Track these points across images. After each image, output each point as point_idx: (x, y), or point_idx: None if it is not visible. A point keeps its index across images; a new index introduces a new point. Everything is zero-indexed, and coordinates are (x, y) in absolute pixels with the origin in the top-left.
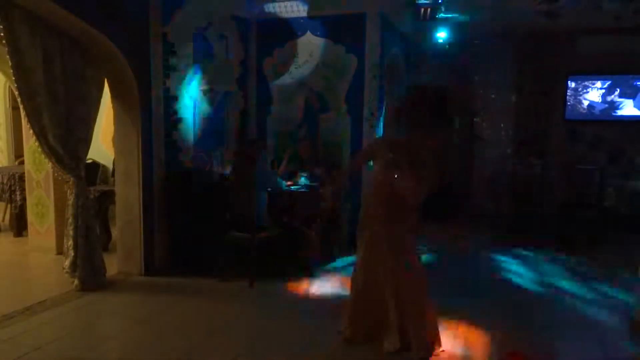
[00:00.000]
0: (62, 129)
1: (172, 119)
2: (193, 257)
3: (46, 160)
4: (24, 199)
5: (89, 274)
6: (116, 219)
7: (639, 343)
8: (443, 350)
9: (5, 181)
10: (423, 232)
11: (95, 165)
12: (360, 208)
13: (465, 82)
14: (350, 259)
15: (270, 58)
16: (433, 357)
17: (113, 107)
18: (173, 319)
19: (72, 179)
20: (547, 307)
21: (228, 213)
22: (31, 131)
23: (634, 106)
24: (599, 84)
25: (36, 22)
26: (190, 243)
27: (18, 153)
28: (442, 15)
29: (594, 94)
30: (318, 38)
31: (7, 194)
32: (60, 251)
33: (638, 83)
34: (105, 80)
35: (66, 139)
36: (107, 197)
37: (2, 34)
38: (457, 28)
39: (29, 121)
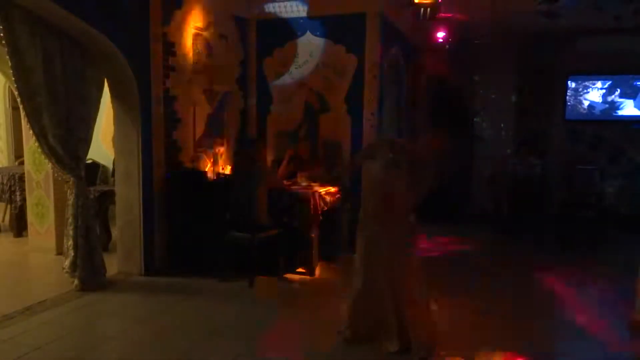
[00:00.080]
0: (62, 129)
1: (172, 119)
2: (193, 257)
3: (46, 160)
4: (24, 199)
5: (89, 274)
6: (116, 219)
7: (639, 343)
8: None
9: (5, 181)
10: (422, 232)
11: (95, 165)
12: (360, 208)
13: (465, 82)
14: (350, 259)
15: (270, 58)
16: (432, 357)
17: (113, 107)
18: (173, 319)
19: (72, 179)
20: (548, 306)
21: (228, 213)
22: (31, 131)
23: (635, 106)
24: (599, 84)
25: (36, 22)
26: (190, 243)
27: (18, 153)
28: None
29: (594, 94)
30: (318, 38)
31: (7, 195)
32: (60, 251)
33: (638, 83)
34: (105, 80)
35: (66, 139)
36: (107, 197)
37: (2, 34)
38: (457, 28)
39: (29, 121)
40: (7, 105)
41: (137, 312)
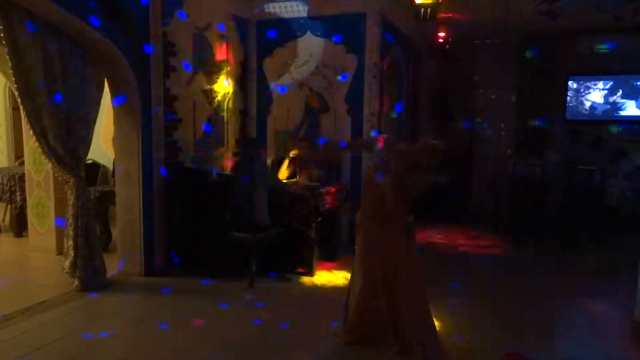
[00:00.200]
0: (62, 129)
1: (172, 120)
2: (193, 257)
3: (46, 160)
4: (24, 200)
5: (89, 274)
6: (116, 219)
7: None
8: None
9: (5, 182)
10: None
11: (95, 165)
12: (359, 209)
13: (465, 83)
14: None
15: (270, 58)
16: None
17: (113, 108)
18: (173, 319)
19: (72, 179)
20: (548, 307)
21: (228, 213)
22: (31, 132)
23: (637, 107)
24: (600, 84)
25: (36, 23)
26: (190, 243)
27: (18, 154)
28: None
29: (595, 94)
30: (318, 38)
31: (8, 195)
32: (60, 252)
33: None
34: (106, 80)
35: (66, 139)
36: (108, 198)
37: (2, 35)
38: (457, 28)
39: (30, 122)
40: (8, 106)
41: (137, 312)
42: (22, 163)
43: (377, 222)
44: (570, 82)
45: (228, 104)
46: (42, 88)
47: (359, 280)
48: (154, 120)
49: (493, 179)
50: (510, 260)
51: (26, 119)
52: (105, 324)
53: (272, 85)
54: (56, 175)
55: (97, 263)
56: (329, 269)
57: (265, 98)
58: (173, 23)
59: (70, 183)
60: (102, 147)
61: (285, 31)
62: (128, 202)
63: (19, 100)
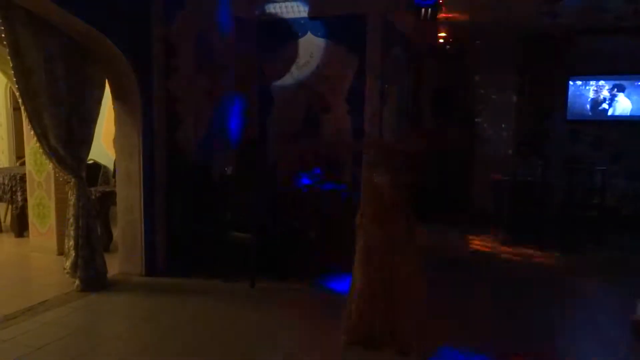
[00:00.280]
0: (63, 129)
1: (173, 120)
2: (194, 258)
3: (47, 161)
4: (25, 200)
5: (90, 274)
6: (117, 220)
7: None
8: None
9: (6, 182)
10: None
11: (96, 166)
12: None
13: (465, 83)
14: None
15: (271, 59)
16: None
17: (114, 108)
18: (174, 320)
19: (73, 179)
20: (548, 307)
21: (229, 213)
22: (32, 132)
23: (638, 107)
24: (601, 83)
25: (37, 23)
26: (191, 243)
27: (19, 154)
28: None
29: (595, 94)
30: (319, 38)
31: (9, 195)
32: (61, 252)
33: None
34: (107, 80)
35: (67, 139)
36: (108, 198)
37: (3, 35)
38: (458, 28)
39: (31, 122)
40: (9, 106)
41: (138, 312)
42: (23, 163)
43: (377, 222)
44: (571, 82)
45: (229, 104)
46: (42, 88)
47: (359, 281)
48: (155, 121)
49: (494, 179)
50: (510, 260)
51: (27, 119)
52: (106, 324)
53: (273, 85)
54: (57, 175)
55: (98, 263)
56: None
57: (266, 99)
58: (175, 24)
59: (71, 183)
60: (103, 147)
61: (286, 31)
62: (129, 202)
63: (19, 100)
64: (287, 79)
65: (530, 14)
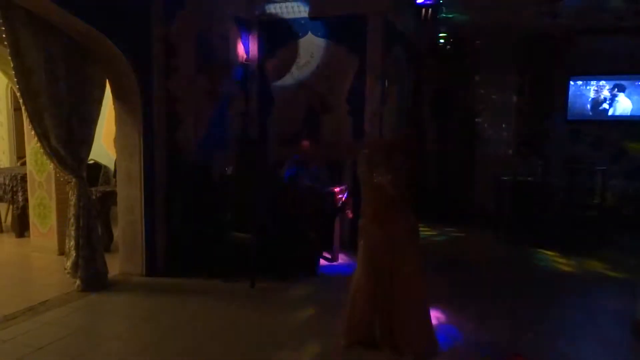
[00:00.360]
0: (64, 129)
1: (174, 120)
2: (194, 258)
3: (48, 161)
4: (26, 200)
5: (91, 274)
6: (118, 220)
7: None
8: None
9: (7, 182)
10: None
11: (97, 166)
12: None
13: (465, 83)
14: (351, 259)
15: (271, 59)
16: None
17: (115, 108)
18: (174, 320)
19: (74, 179)
20: (549, 307)
21: (229, 213)
22: (33, 132)
23: (638, 107)
24: (601, 83)
25: (37, 23)
26: (191, 243)
27: (20, 154)
28: (443, 15)
29: (596, 94)
30: (319, 39)
31: (9, 195)
32: (62, 252)
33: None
34: (107, 80)
35: (68, 139)
36: (109, 198)
37: (3, 35)
38: (458, 28)
39: (31, 122)
40: (9, 106)
41: (139, 312)
42: (24, 163)
43: (377, 223)
44: (571, 82)
45: (229, 105)
46: (43, 88)
47: (360, 281)
48: (156, 121)
49: (494, 179)
50: (510, 260)
51: (28, 120)
52: (107, 324)
53: (274, 85)
54: (58, 175)
55: (99, 263)
56: (330, 269)
57: (266, 99)
58: (175, 24)
59: (72, 183)
60: (104, 147)
61: (287, 32)
62: (129, 202)
63: (20, 100)
64: (288, 79)
65: (530, 14)
